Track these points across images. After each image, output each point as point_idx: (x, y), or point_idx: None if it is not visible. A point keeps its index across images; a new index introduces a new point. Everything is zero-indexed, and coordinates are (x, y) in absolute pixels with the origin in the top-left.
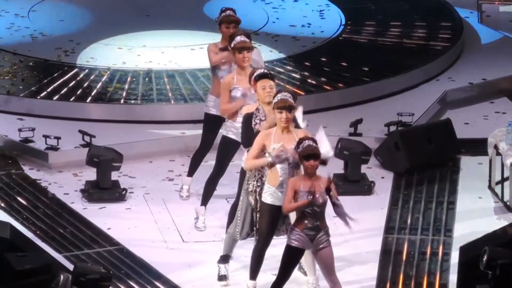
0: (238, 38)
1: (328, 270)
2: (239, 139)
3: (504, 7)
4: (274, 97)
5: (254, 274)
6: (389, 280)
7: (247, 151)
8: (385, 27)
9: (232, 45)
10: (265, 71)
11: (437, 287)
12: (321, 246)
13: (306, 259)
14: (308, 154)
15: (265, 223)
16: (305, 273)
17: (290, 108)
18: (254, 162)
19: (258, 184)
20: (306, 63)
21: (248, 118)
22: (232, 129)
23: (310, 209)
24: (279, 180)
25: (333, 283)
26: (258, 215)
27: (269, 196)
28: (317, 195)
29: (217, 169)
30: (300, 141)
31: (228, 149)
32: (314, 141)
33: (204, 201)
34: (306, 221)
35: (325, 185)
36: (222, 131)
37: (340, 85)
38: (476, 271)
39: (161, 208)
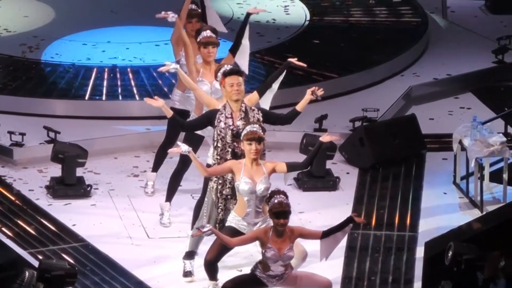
0: (204, 33)
1: (314, 281)
2: (203, 133)
3: (469, 2)
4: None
5: (212, 277)
6: (354, 276)
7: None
8: (350, 23)
9: (198, 40)
10: (234, 67)
11: (402, 282)
12: (286, 278)
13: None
14: (279, 212)
15: (220, 241)
16: None
17: (260, 140)
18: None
19: (220, 181)
20: (271, 59)
21: (211, 114)
22: None
23: (277, 263)
24: (246, 211)
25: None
26: (219, 212)
27: (234, 224)
28: (284, 251)
29: (181, 165)
30: (272, 194)
31: (193, 144)
32: (285, 195)
33: (169, 197)
34: (271, 269)
35: (294, 239)
36: None
37: (305, 80)
38: (441, 266)
39: (126, 204)
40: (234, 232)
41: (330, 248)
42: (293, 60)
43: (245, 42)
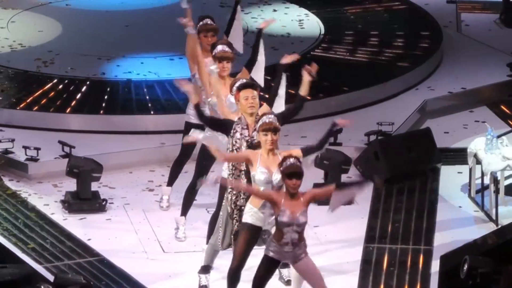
0: (220, 48)
1: (315, 279)
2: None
3: (483, 16)
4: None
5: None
6: None
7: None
8: (364, 37)
9: (213, 54)
10: (248, 80)
11: None
12: (299, 258)
13: (293, 273)
14: (291, 172)
15: (242, 242)
16: (285, 283)
17: (275, 130)
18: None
19: (234, 192)
20: (285, 73)
21: (228, 122)
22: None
23: (290, 227)
24: (261, 202)
25: None
26: (234, 223)
27: (250, 216)
28: (297, 215)
29: (198, 178)
30: (284, 159)
31: (207, 158)
32: (298, 159)
33: (184, 211)
34: (284, 236)
35: (306, 202)
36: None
37: (320, 94)
38: (457, 280)
39: (141, 219)
40: (251, 229)
41: (341, 200)
42: (284, 61)
43: (261, 58)
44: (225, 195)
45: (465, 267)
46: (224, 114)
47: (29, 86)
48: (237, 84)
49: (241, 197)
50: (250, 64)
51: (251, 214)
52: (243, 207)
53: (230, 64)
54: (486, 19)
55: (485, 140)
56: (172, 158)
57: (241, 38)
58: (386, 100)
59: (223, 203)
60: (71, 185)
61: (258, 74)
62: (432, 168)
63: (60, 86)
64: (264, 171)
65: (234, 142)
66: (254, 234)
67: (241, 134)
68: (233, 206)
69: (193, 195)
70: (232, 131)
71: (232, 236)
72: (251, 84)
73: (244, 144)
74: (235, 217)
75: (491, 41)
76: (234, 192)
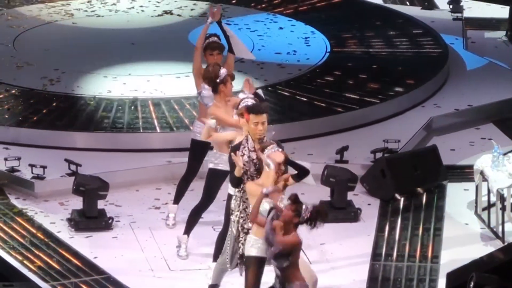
0: (221, 71)
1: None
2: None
3: (489, 33)
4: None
5: None
6: None
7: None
8: (371, 54)
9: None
10: (258, 104)
11: None
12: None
13: None
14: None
15: (251, 277)
16: None
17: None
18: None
19: (242, 215)
20: (292, 91)
21: (235, 150)
22: (221, 161)
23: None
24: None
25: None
26: (240, 246)
27: (255, 248)
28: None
29: (205, 200)
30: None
31: (218, 181)
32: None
33: (188, 230)
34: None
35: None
36: (211, 164)
37: (326, 112)
38: None
39: (148, 237)
40: (258, 262)
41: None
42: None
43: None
44: (232, 217)
45: (472, 284)
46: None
47: (35, 104)
48: (245, 104)
49: (249, 220)
50: (229, 48)
51: (257, 246)
52: (249, 231)
53: (231, 84)
54: (492, 36)
55: (491, 157)
56: (179, 176)
57: (246, 48)
58: (392, 117)
59: (231, 223)
60: (77, 203)
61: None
62: (439, 186)
63: (66, 104)
64: (270, 200)
65: (242, 165)
66: (261, 266)
67: (249, 157)
68: (240, 229)
69: (199, 216)
70: (239, 153)
71: (238, 259)
72: (262, 110)
73: (253, 167)
74: (240, 241)
75: (497, 58)
76: (242, 215)
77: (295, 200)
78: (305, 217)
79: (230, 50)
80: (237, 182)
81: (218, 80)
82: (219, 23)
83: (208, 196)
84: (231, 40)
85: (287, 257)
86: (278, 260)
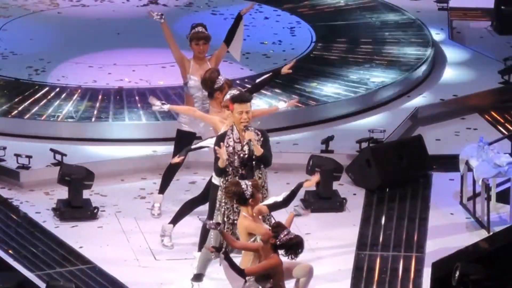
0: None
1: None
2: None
3: (475, 23)
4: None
5: None
6: None
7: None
8: (355, 44)
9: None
10: (242, 93)
11: None
12: None
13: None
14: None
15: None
16: None
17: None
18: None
19: (227, 206)
20: (278, 80)
21: (220, 140)
22: None
23: None
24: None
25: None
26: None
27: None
28: None
29: (203, 197)
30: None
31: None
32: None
33: (175, 221)
34: None
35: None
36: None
37: (311, 102)
38: (449, 287)
39: (133, 226)
40: None
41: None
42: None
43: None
44: (217, 207)
45: (457, 274)
46: (211, 124)
47: (20, 94)
48: (230, 95)
49: (235, 212)
50: (228, 41)
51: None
52: (235, 221)
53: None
54: (478, 26)
55: (476, 147)
56: (164, 166)
57: (239, 50)
58: (378, 107)
59: (215, 213)
60: (62, 193)
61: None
62: (424, 175)
63: (52, 94)
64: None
65: (226, 158)
66: None
67: (233, 148)
68: (225, 219)
69: (190, 210)
70: (224, 144)
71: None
72: (246, 98)
73: (237, 159)
74: (226, 231)
75: (483, 48)
76: (228, 206)
77: (278, 224)
78: (283, 240)
79: (227, 42)
80: (221, 172)
81: (215, 87)
82: (240, 17)
83: (205, 194)
84: (236, 36)
85: (268, 279)
86: (260, 282)
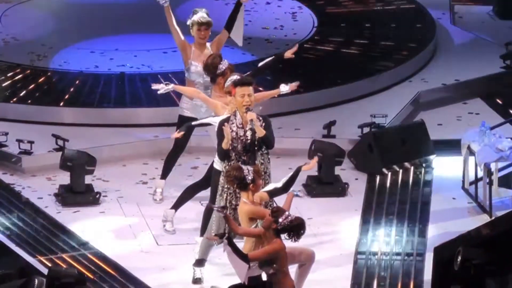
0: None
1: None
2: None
3: (476, 8)
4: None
5: None
6: (363, 282)
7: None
8: (358, 29)
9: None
10: (243, 77)
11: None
12: None
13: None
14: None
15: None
16: None
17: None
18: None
19: (230, 191)
20: (279, 65)
21: (223, 125)
22: None
23: None
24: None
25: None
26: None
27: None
28: None
29: (205, 181)
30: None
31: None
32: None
33: (177, 206)
34: None
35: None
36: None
37: (314, 86)
38: (451, 271)
39: (135, 212)
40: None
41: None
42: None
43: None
44: (220, 192)
45: (459, 258)
46: (212, 108)
47: (22, 79)
48: (232, 80)
49: (237, 197)
50: (229, 27)
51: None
52: (237, 206)
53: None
54: (479, 11)
55: (478, 132)
56: (166, 151)
57: (241, 35)
58: (380, 92)
59: (217, 198)
60: (64, 178)
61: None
62: (426, 160)
63: (54, 80)
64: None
65: (230, 140)
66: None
67: (236, 134)
68: (228, 205)
69: (193, 194)
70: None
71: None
72: (248, 82)
73: (240, 144)
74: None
75: (485, 33)
76: (230, 192)
77: (277, 208)
78: (283, 224)
79: (228, 28)
80: (224, 155)
81: (217, 72)
82: (240, 4)
83: (207, 178)
84: (236, 22)
85: (271, 264)
86: (263, 267)
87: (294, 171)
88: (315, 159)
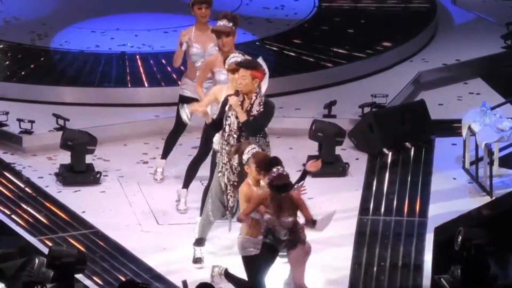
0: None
1: (295, 272)
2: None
3: None
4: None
5: None
6: (364, 262)
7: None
8: (357, 8)
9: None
10: (247, 59)
11: (412, 268)
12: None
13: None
14: (281, 186)
15: (252, 275)
16: None
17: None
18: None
19: (227, 167)
20: (280, 45)
21: (226, 100)
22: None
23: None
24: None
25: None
26: (228, 199)
27: (249, 248)
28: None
29: (202, 153)
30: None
31: (214, 133)
32: (281, 165)
33: (186, 184)
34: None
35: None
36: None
37: (314, 66)
38: (451, 251)
39: (136, 191)
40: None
41: (324, 224)
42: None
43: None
44: (218, 169)
45: (460, 238)
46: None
47: (23, 59)
48: (240, 62)
49: (234, 173)
50: None
51: (249, 245)
52: (235, 183)
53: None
54: None
55: (479, 112)
56: (167, 131)
57: None
58: (380, 72)
59: (215, 176)
60: (65, 157)
61: None
62: (427, 140)
63: (55, 59)
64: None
65: (226, 117)
66: (257, 261)
67: (236, 118)
68: (226, 181)
69: (196, 169)
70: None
71: (227, 212)
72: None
73: (236, 122)
74: (228, 193)
75: (486, 13)
76: (227, 167)
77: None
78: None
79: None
80: (219, 125)
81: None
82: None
83: (204, 148)
84: None
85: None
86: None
87: (301, 174)
88: (319, 162)
